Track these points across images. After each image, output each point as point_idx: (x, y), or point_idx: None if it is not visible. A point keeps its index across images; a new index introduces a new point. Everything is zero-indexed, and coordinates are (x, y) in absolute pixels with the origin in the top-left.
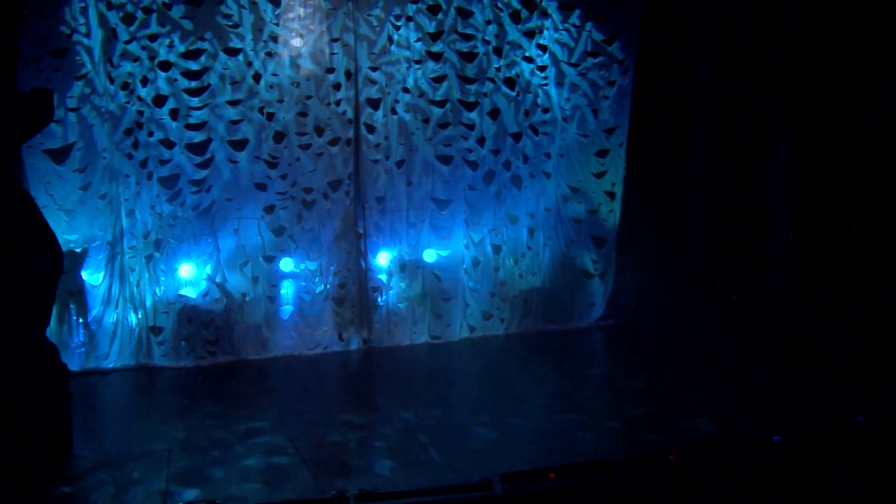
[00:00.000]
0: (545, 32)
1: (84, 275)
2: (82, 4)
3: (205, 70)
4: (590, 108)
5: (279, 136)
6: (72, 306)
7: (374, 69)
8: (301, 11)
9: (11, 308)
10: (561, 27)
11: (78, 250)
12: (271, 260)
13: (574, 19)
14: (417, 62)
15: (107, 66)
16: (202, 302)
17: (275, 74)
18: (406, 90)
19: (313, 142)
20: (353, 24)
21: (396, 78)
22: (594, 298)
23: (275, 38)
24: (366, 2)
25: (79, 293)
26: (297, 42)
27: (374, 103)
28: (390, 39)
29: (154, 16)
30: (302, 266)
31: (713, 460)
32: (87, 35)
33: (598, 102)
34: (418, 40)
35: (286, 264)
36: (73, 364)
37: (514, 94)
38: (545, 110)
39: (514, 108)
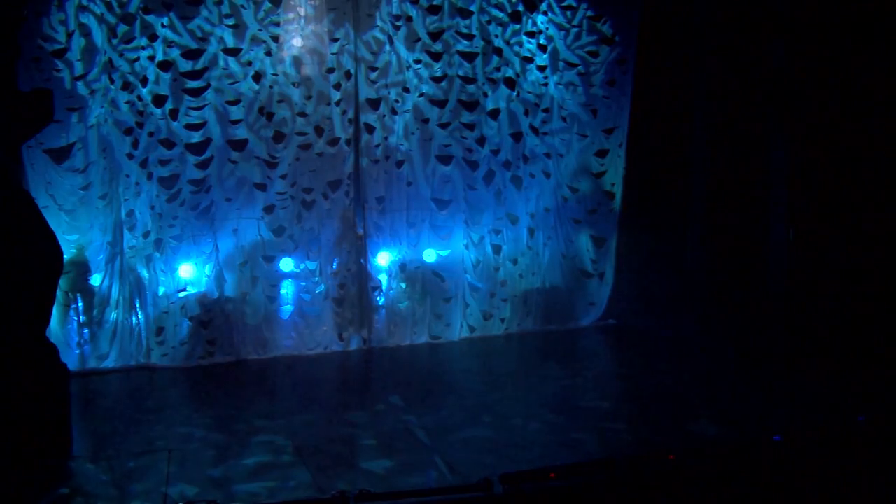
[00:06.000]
0: (545, 32)
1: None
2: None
3: (204, 70)
4: (589, 107)
5: (279, 136)
6: (72, 306)
7: (373, 69)
8: (301, 11)
9: (11, 308)
10: (561, 27)
11: (87, 254)
12: (271, 260)
13: (574, 19)
14: (417, 62)
15: (107, 66)
16: (202, 302)
17: (275, 74)
18: (406, 90)
19: (313, 142)
20: (354, 24)
21: (396, 78)
22: (594, 298)
23: (275, 38)
24: (366, 2)
25: (80, 293)
26: (297, 42)
27: (374, 103)
28: (390, 40)
29: (154, 15)
30: (302, 266)
31: (713, 460)
32: (87, 35)
33: (598, 102)
34: (417, 40)
35: (286, 264)
36: (73, 364)
37: (513, 93)
38: (545, 110)
39: (514, 108)
